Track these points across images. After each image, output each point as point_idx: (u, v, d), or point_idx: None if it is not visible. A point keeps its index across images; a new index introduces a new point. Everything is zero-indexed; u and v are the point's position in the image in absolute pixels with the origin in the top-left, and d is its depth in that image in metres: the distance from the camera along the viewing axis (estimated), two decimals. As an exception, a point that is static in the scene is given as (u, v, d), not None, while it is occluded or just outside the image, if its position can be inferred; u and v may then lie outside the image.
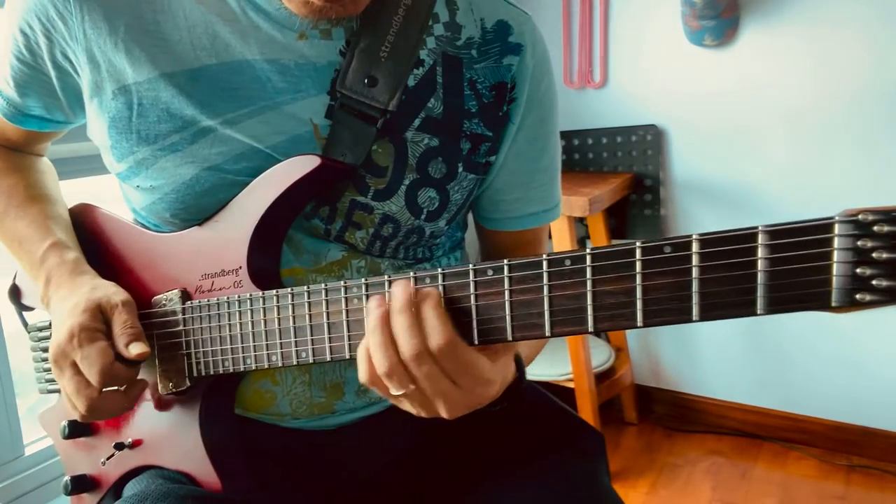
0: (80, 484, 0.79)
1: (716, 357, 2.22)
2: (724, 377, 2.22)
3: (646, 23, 2.09)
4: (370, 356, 0.53)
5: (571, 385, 2.02)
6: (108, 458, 0.77)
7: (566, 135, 2.24)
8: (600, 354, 2.17)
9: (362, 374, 0.54)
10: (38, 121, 0.78)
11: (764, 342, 2.13)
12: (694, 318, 0.43)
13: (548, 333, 0.49)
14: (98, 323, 0.65)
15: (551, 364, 2.12)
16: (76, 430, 0.78)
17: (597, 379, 2.07)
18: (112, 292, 0.67)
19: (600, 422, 2.08)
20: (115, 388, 0.65)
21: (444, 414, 0.53)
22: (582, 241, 2.27)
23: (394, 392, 0.53)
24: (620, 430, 2.27)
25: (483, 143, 0.73)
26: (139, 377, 0.68)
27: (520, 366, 0.63)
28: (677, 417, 2.30)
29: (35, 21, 0.69)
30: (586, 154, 2.24)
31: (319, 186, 0.67)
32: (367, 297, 0.56)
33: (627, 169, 2.18)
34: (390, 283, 0.55)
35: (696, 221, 2.14)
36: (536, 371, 2.10)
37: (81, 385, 0.64)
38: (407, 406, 0.55)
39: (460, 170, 0.72)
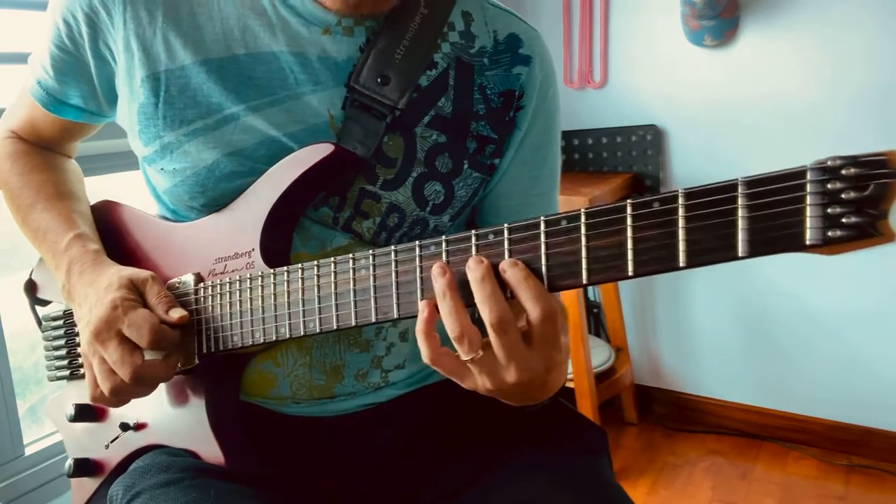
0: (83, 467, 0.81)
1: (716, 357, 2.22)
2: (724, 377, 2.22)
3: (646, 23, 2.09)
4: (429, 330, 0.55)
5: (571, 385, 2.02)
6: (112, 441, 0.79)
7: (566, 135, 2.25)
8: (600, 354, 2.17)
9: (425, 353, 0.55)
10: (74, 110, 0.81)
11: (764, 342, 2.13)
12: (681, 265, 0.46)
13: (546, 289, 0.52)
14: (135, 295, 0.68)
15: (551, 364, 2.11)
16: (82, 414, 0.81)
17: (597, 379, 2.07)
18: (138, 269, 0.71)
19: (600, 422, 2.08)
20: (157, 355, 0.67)
21: (510, 379, 0.54)
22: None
23: (465, 357, 0.54)
24: (620, 430, 2.27)
25: (488, 144, 0.77)
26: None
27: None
28: (677, 417, 2.30)
29: (78, 11, 0.73)
30: (586, 154, 2.24)
31: (332, 173, 0.70)
32: (374, 266, 0.59)
33: (627, 169, 2.18)
34: (396, 252, 0.58)
35: (696, 221, 2.14)
36: (536, 371, 2.10)
37: (126, 352, 0.65)
38: (472, 377, 0.56)
39: (466, 167, 0.76)
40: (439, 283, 0.54)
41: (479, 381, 0.56)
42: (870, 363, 1.98)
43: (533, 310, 0.52)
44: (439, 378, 0.83)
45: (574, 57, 2.22)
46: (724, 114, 2.02)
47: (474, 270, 0.53)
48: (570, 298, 1.97)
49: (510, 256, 0.53)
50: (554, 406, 0.81)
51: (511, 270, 0.52)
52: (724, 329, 2.19)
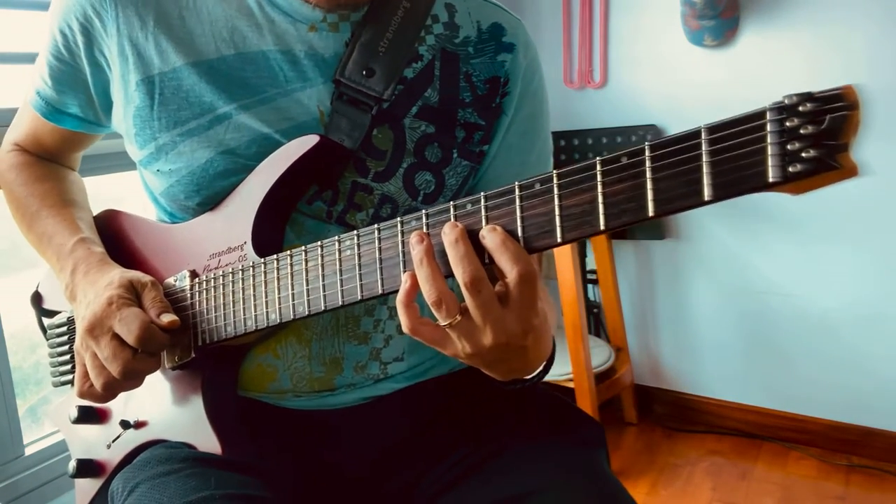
0: (86, 468, 0.82)
1: (716, 357, 2.22)
2: (724, 377, 2.22)
3: (646, 23, 2.09)
4: (409, 299, 0.56)
5: (571, 385, 2.02)
6: (114, 440, 0.80)
7: (566, 135, 2.25)
8: (600, 354, 2.17)
9: (405, 322, 0.56)
10: (73, 119, 0.82)
11: (764, 342, 2.13)
12: (650, 214, 0.47)
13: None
14: (132, 296, 0.69)
15: (551, 364, 2.11)
16: (85, 416, 0.82)
17: (597, 379, 2.07)
18: (141, 274, 0.72)
19: (600, 422, 2.08)
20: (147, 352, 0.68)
21: (487, 342, 0.55)
22: (582, 243, 2.27)
23: (443, 322, 0.55)
24: (620, 430, 2.27)
25: (476, 131, 0.78)
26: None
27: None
28: (677, 417, 2.30)
29: (73, 21, 0.74)
30: (586, 154, 2.23)
31: (319, 165, 0.71)
32: (359, 245, 0.60)
33: (627, 169, 2.18)
34: (380, 229, 0.59)
35: (696, 221, 2.14)
36: (536, 371, 2.10)
37: (118, 348, 0.67)
38: (451, 342, 0.57)
39: (455, 156, 0.77)
40: (417, 250, 0.55)
41: (459, 346, 0.56)
42: (870, 363, 1.98)
43: (511, 271, 0.53)
44: (439, 372, 0.84)
45: (574, 57, 2.22)
46: (724, 114, 1.98)
47: (448, 234, 0.54)
48: (569, 298, 1.97)
49: (488, 223, 0.54)
50: (551, 400, 0.82)
51: (490, 235, 0.53)
52: (724, 329, 2.19)
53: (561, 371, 2.07)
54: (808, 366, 2.07)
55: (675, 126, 2.11)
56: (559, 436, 0.76)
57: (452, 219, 0.56)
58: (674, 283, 2.24)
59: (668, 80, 2.09)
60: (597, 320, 2.38)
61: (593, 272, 2.30)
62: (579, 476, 0.69)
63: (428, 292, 0.54)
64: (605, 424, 2.20)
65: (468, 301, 0.54)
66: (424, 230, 0.56)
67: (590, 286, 2.36)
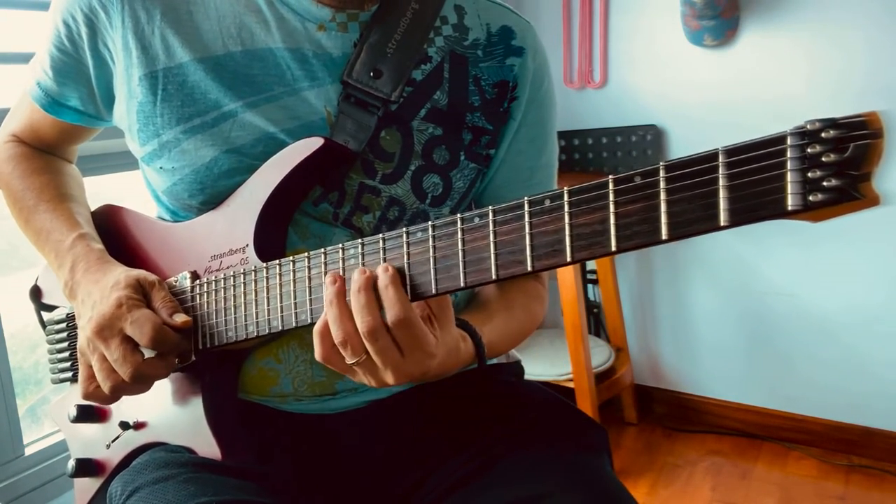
0: (85, 467, 0.82)
1: (716, 357, 2.22)
2: (724, 377, 2.22)
3: (646, 23, 2.09)
4: (326, 331, 0.58)
5: (571, 385, 2.02)
6: (113, 441, 0.79)
7: (566, 135, 2.25)
8: (600, 354, 2.17)
9: (318, 351, 0.59)
10: (73, 112, 0.81)
11: (764, 342, 2.13)
12: (663, 238, 0.46)
13: (529, 269, 0.52)
14: (140, 296, 0.69)
15: (551, 364, 2.12)
16: (84, 414, 0.81)
17: (597, 379, 2.07)
18: (146, 273, 0.72)
19: (600, 422, 2.08)
20: (155, 353, 0.68)
21: (390, 381, 0.59)
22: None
23: (348, 361, 0.58)
24: (620, 430, 2.27)
25: (484, 135, 0.78)
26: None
27: (479, 349, 0.69)
28: (677, 417, 2.30)
29: (78, 12, 0.74)
30: (586, 154, 2.24)
31: (324, 167, 0.70)
32: (363, 255, 0.60)
33: (627, 169, 2.17)
34: (385, 239, 0.58)
35: (696, 221, 2.14)
36: (536, 371, 2.10)
37: (128, 351, 0.66)
38: (358, 376, 0.60)
39: (462, 158, 0.77)
40: (329, 290, 0.58)
41: (365, 380, 0.60)
42: (870, 364, 1.98)
43: (389, 313, 0.56)
44: None
45: (574, 57, 2.22)
46: (724, 114, 2.02)
47: (355, 282, 0.56)
48: (569, 298, 1.97)
49: (495, 238, 0.53)
50: (555, 404, 0.82)
51: (381, 276, 0.56)
52: (724, 329, 2.19)
53: (561, 371, 2.07)
54: (809, 366, 2.07)
55: (675, 126, 2.11)
56: (562, 440, 0.75)
57: (460, 233, 0.54)
58: (674, 283, 2.24)
59: (668, 80, 2.09)
60: (597, 320, 2.38)
61: (593, 272, 2.30)
62: (583, 481, 0.69)
63: (335, 332, 0.57)
64: (605, 424, 2.20)
65: (368, 348, 0.57)
66: (431, 243, 0.56)
67: (590, 286, 2.36)
